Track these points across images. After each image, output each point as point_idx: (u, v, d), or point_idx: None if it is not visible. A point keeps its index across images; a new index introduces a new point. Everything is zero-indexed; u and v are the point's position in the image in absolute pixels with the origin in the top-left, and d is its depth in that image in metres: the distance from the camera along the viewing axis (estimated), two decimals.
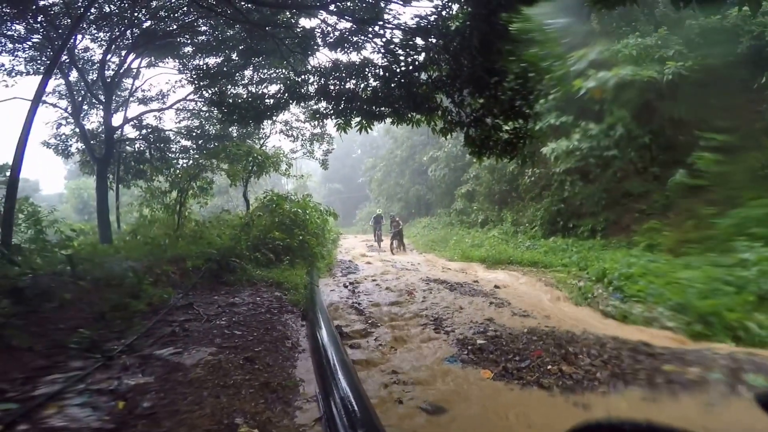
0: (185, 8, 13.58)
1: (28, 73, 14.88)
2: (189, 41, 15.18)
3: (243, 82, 15.43)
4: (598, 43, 15.93)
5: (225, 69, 14.63)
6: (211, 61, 15.18)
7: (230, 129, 17.78)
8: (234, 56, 14.43)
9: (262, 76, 15.18)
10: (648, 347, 5.82)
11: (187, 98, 18.15)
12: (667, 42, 13.87)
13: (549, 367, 5.25)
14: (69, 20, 13.15)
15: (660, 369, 5.04)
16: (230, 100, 13.03)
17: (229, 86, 15.16)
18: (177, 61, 16.31)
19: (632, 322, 7.83)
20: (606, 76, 13.70)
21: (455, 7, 8.72)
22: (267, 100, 12.26)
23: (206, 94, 15.71)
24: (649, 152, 14.39)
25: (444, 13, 8.78)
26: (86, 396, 3.94)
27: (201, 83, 15.24)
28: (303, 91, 10.98)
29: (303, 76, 11.56)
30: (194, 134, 18.82)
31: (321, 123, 14.90)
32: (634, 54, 13.93)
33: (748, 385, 4.55)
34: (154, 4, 13.64)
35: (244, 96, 13.75)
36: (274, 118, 15.45)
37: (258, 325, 6.68)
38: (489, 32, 7.52)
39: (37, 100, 10.69)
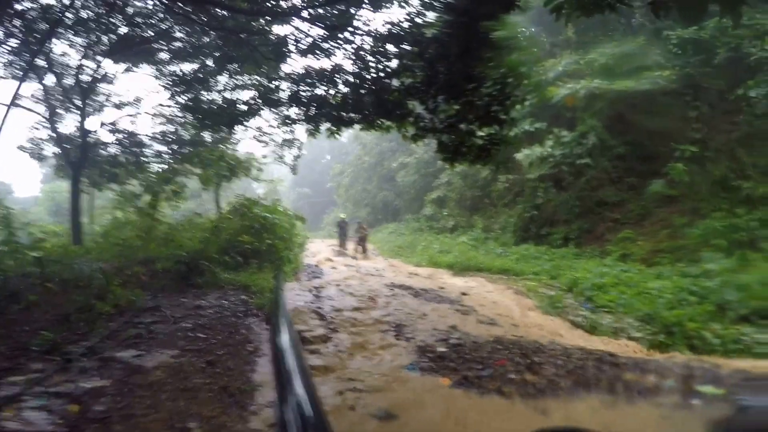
0: (161, 15, 13.49)
1: (4, 78, 14.79)
2: (166, 47, 15.10)
3: (218, 88, 15.39)
4: (574, 51, 16.22)
5: (201, 75, 14.57)
6: (187, 67, 15.14)
7: (204, 134, 17.65)
8: (210, 62, 14.37)
9: (236, 82, 15.15)
10: (613, 357, 5.80)
11: (162, 104, 18.08)
12: (645, 52, 14.08)
13: (512, 376, 5.13)
14: (46, 25, 13.07)
15: (621, 378, 5.03)
16: (204, 106, 12.92)
17: (204, 92, 15.07)
18: (153, 66, 16.21)
19: (601, 332, 7.81)
20: (576, 86, 13.90)
21: (430, 14, 8.76)
22: (240, 106, 12.19)
23: (181, 100, 15.62)
24: (624, 162, 14.60)
25: (418, 20, 8.81)
26: (43, 399, 3.90)
27: (176, 89, 15.18)
28: (275, 97, 10.92)
29: (276, 83, 11.50)
30: (169, 139, 18.70)
31: (291, 128, 14.85)
32: (610, 63, 14.12)
33: (698, 394, 4.62)
34: (131, 10, 13.50)
35: (219, 102, 13.69)
36: (247, 123, 15.44)
37: (222, 329, 6.56)
38: (469, 39, 7.56)
39: (13, 103, 10.49)
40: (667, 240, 11.39)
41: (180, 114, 16.80)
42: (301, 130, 17.21)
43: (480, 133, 8.63)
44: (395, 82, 9.55)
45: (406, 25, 8.80)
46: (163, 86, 15.92)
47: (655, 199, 12.79)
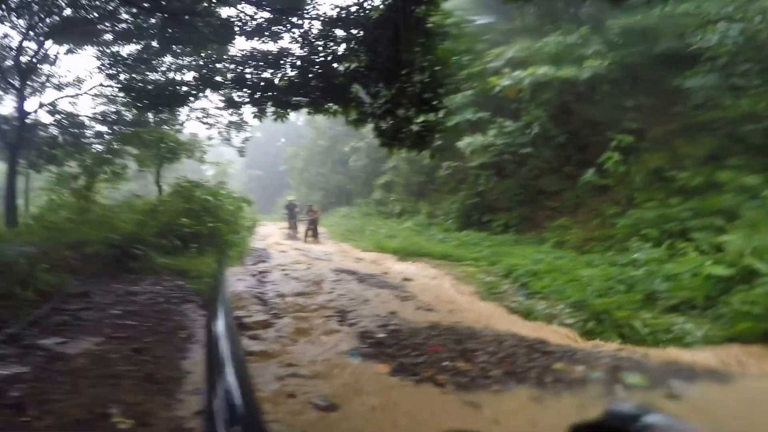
0: None
1: None
2: (110, 29, 14.62)
3: (160, 69, 14.99)
4: (519, 41, 16.35)
5: (143, 56, 14.18)
6: (131, 48, 14.73)
7: (148, 115, 17.20)
8: (154, 44, 13.96)
9: (179, 63, 14.76)
10: (543, 344, 5.93)
11: (103, 84, 17.54)
12: (588, 41, 14.26)
13: (445, 363, 5.22)
14: None
15: (551, 367, 5.14)
16: (142, 87, 12.53)
17: (145, 73, 14.66)
18: (96, 48, 15.68)
19: (535, 318, 7.94)
20: (520, 75, 14.01)
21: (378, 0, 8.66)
22: (181, 87, 11.86)
23: (121, 81, 15.19)
24: (564, 151, 14.88)
25: (366, 4, 8.71)
26: None
27: (116, 69, 14.79)
28: (218, 79, 10.67)
29: (219, 65, 11.24)
30: (109, 120, 18.17)
31: (238, 111, 14.60)
32: (555, 52, 14.26)
33: (623, 384, 4.75)
34: None
35: (159, 83, 13.32)
36: (189, 105, 15.06)
37: (154, 315, 6.42)
38: (403, 24, 7.52)
39: None
40: (599, 229, 11.73)
41: (122, 95, 16.38)
42: (249, 113, 17.03)
43: (417, 120, 8.63)
44: (341, 67, 9.45)
45: (354, 9, 8.68)
46: (99, 67, 15.58)
47: (589, 189, 13.11)
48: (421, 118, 8.69)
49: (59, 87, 17.77)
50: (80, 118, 18.23)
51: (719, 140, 10.59)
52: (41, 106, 17.49)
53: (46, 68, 17.43)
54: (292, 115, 13.71)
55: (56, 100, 17.89)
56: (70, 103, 18.58)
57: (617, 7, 13.27)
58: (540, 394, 4.57)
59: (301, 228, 20.89)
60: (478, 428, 3.97)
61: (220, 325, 4.84)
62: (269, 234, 22.01)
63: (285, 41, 10.68)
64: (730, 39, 10.45)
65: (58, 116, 17.90)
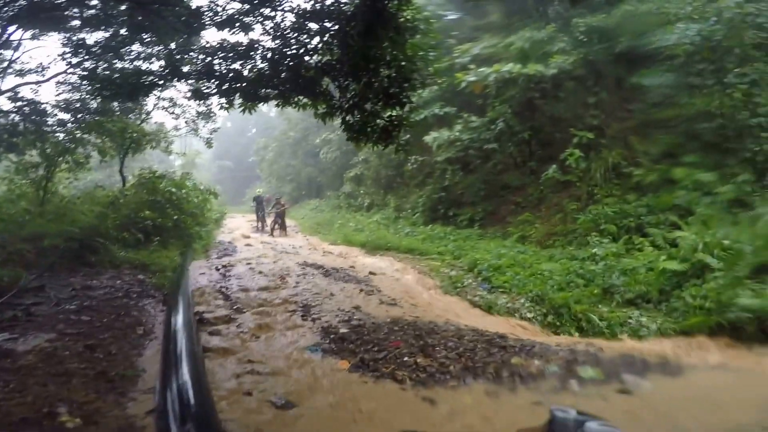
0: None
1: None
2: (79, 15, 14.21)
3: (129, 57, 14.66)
4: (487, 38, 16.46)
5: (107, 44, 13.83)
6: (98, 35, 14.33)
7: (112, 104, 16.81)
8: (122, 31, 13.63)
9: (145, 52, 14.46)
10: (502, 339, 6.03)
11: (67, 71, 17.06)
12: (554, 38, 14.43)
13: (405, 358, 5.27)
14: None
15: (508, 362, 5.22)
16: (107, 74, 12.25)
17: (114, 61, 14.31)
18: (62, 34, 15.24)
19: (497, 312, 8.08)
20: (485, 72, 14.11)
21: None
22: (147, 77, 11.63)
23: (84, 68, 14.78)
24: (528, 147, 15.05)
25: None
26: None
27: (82, 57, 14.35)
28: (187, 69, 10.51)
29: (187, 55, 11.06)
30: (72, 108, 17.71)
31: (205, 102, 14.40)
32: (524, 48, 14.39)
33: (578, 378, 4.85)
34: None
35: (123, 72, 13.02)
36: (155, 94, 14.78)
37: (111, 311, 6.34)
38: (372, 18, 7.51)
39: None
40: (561, 224, 11.93)
41: (86, 82, 15.99)
42: (217, 104, 16.81)
43: (384, 115, 8.65)
44: (312, 60, 9.40)
45: (328, 2, 8.62)
46: (62, 55, 15.14)
47: (551, 184, 13.30)
48: (387, 113, 8.70)
49: (21, 73, 17.03)
50: (42, 105, 17.64)
51: (675, 137, 10.82)
52: (1, 92, 16.73)
53: (7, 54, 16.66)
54: (264, 106, 13.55)
55: (18, 86, 17.13)
56: (32, 90, 18.05)
57: (580, 6, 13.54)
58: (496, 389, 4.66)
59: (270, 221, 20.74)
60: (433, 424, 4.02)
61: (179, 321, 4.76)
62: (237, 227, 21.86)
63: (256, 33, 10.59)
64: (687, 39, 10.69)
65: (19, 103, 17.36)
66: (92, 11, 13.60)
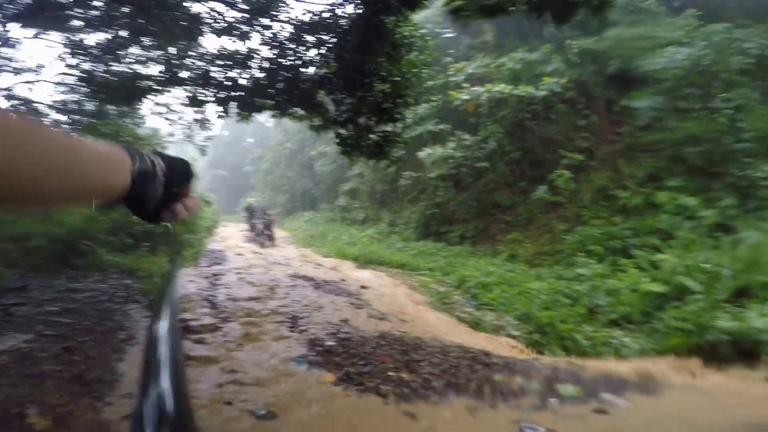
0: None
1: None
2: (82, 15, 14.27)
3: (126, 61, 14.70)
4: (482, 57, 16.69)
5: (111, 47, 13.89)
6: (98, 37, 14.37)
7: (107, 107, 16.82)
8: (123, 34, 13.70)
9: (143, 57, 14.53)
10: (486, 357, 6.07)
11: (64, 72, 17.07)
12: (549, 59, 14.66)
13: (390, 373, 5.29)
14: None
15: (491, 379, 5.28)
16: (104, 77, 12.31)
17: (112, 64, 14.36)
18: (62, 34, 15.27)
19: (483, 329, 8.14)
20: (479, 91, 14.29)
21: (350, 7, 8.74)
22: (144, 81, 11.69)
23: (82, 70, 14.80)
24: (519, 167, 15.21)
25: (339, 11, 8.79)
26: None
27: (80, 58, 14.39)
28: (184, 75, 10.59)
29: (184, 61, 11.15)
30: (67, 109, 17.68)
31: (201, 109, 14.45)
32: (517, 68, 14.60)
33: (558, 396, 4.92)
34: None
35: (120, 76, 13.07)
36: (152, 99, 14.83)
37: (94, 314, 6.27)
38: (369, 33, 7.63)
39: None
40: (549, 244, 12.07)
41: (83, 84, 16.01)
42: (212, 112, 16.82)
43: (376, 130, 8.75)
44: (309, 72, 9.50)
45: (327, 15, 8.74)
46: (61, 56, 15.13)
47: (541, 205, 13.48)
48: (381, 128, 8.81)
49: (17, 72, 16.98)
50: (37, 105, 17.68)
51: (662, 161, 11.04)
52: None
53: (5, 51, 16.64)
54: (261, 116, 13.62)
55: (13, 85, 17.16)
56: (28, 89, 18.01)
57: (573, 29, 13.78)
58: (477, 405, 4.68)
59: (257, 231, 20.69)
60: None
61: (163, 327, 4.83)
62: (229, 236, 21.79)
63: (254, 42, 10.67)
64: (676, 63, 10.89)
65: (14, 102, 17.31)
66: (95, 12, 13.69)
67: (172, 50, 12.37)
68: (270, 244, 19.06)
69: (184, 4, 11.32)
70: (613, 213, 11.35)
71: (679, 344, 6.55)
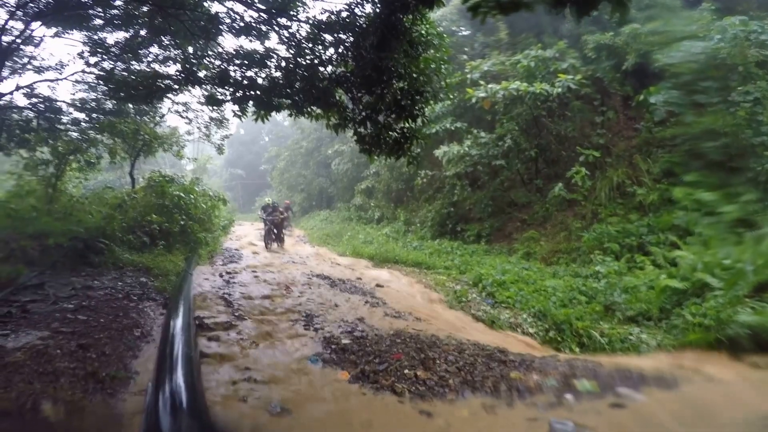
0: None
1: None
2: (103, 14, 14.41)
3: (146, 59, 14.82)
4: (497, 54, 16.59)
5: (132, 45, 14.02)
6: (117, 36, 14.51)
7: (126, 105, 16.98)
8: (143, 33, 13.82)
9: (162, 56, 14.63)
10: (502, 354, 6.04)
11: (84, 71, 17.23)
12: (564, 55, 14.56)
13: (406, 371, 5.27)
14: None
15: (507, 376, 5.23)
16: (123, 75, 12.42)
17: (131, 63, 14.48)
18: (84, 33, 15.43)
19: (499, 327, 8.15)
20: (495, 88, 14.19)
21: (368, 6, 8.73)
22: (163, 80, 11.78)
23: (102, 69, 14.93)
24: (535, 165, 15.16)
25: (357, 10, 8.78)
26: None
27: (101, 57, 14.51)
28: (202, 74, 10.64)
29: (203, 60, 11.21)
30: (88, 107, 17.85)
31: (218, 108, 14.52)
32: (532, 65, 14.50)
33: (575, 392, 4.86)
34: None
35: (139, 74, 13.18)
36: (170, 98, 14.92)
37: (110, 311, 6.34)
38: (387, 31, 7.60)
39: None
40: (565, 242, 12.00)
41: (101, 82, 16.15)
42: (230, 111, 16.91)
43: (396, 127, 8.73)
44: (327, 70, 9.50)
45: (345, 15, 8.74)
46: (81, 54, 15.28)
47: (557, 202, 13.43)
48: (399, 125, 8.78)
49: (39, 70, 17.03)
50: (58, 103, 17.76)
51: (679, 156, 10.92)
52: (18, 88, 16.67)
53: (29, 50, 16.65)
54: (277, 115, 13.64)
55: (35, 83, 17.20)
56: (49, 87, 18.15)
57: (589, 24, 13.65)
58: (493, 403, 4.64)
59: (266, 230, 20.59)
60: None
61: (178, 324, 4.78)
62: (245, 234, 21.88)
63: (272, 41, 10.70)
64: (692, 56, 10.76)
65: (34, 99, 17.50)
66: (115, 11, 13.80)
67: (191, 49, 12.46)
68: (276, 247, 17.83)
69: (203, 3, 11.43)
70: (630, 210, 11.27)
71: (698, 339, 6.48)
